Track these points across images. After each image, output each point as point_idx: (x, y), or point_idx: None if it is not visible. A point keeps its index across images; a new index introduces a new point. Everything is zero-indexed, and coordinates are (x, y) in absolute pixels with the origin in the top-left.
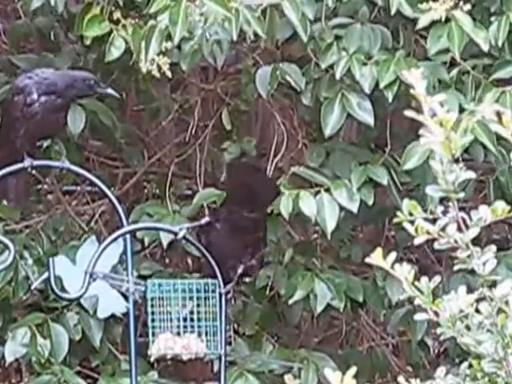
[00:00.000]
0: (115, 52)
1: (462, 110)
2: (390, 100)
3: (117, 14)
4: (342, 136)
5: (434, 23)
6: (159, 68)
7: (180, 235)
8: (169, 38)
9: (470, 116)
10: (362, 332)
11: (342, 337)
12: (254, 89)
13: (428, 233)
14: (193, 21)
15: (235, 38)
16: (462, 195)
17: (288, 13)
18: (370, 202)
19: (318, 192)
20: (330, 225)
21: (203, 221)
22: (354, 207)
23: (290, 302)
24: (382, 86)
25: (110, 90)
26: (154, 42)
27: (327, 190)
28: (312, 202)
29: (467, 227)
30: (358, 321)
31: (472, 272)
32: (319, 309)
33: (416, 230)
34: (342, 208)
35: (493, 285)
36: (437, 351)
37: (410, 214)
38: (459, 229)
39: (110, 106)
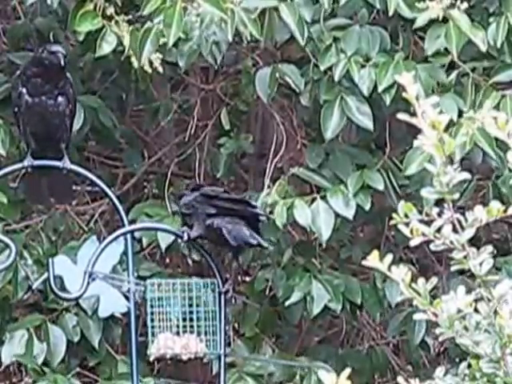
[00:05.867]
0: (106, 47)
1: (460, 113)
2: (388, 103)
3: (110, 10)
4: (342, 136)
5: (431, 23)
6: (151, 63)
7: (185, 238)
8: (164, 38)
9: (470, 122)
10: (362, 331)
11: (342, 336)
12: (253, 89)
13: (423, 234)
14: (189, 22)
15: (230, 39)
16: (456, 196)
17: (285, 17)
18: (367, 207)
19: (314, 199)
20: (326, 233)
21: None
22: (349, 214)
23: (287, 303)
24: (380, 90)
25: (61, 60)
26: (149, 44)
27: (323, 198)
28: (307, 211)
29: (463, 228)
30: (359, 320)
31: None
32: (315, 311)
33: (411, 231)
34: (337, 215)
35: (491, 285)
36: (437, 350)
37: (406, 216)
38: (455, 230)
39: (110, 106)
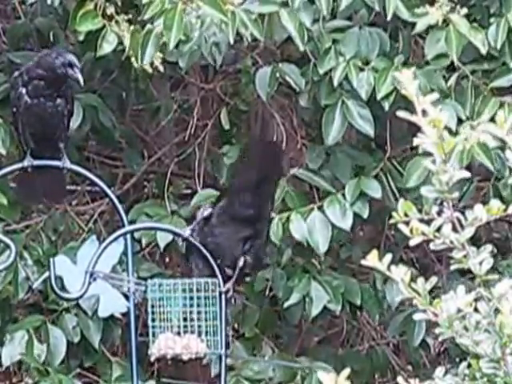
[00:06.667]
0: (107, 47)
1: (460, 121)
2: (387, 109)
3: (110, 10)
4: (342, 136)
5: (431, 27)
6: (152, 64)
7: (186, 234)
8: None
9: (468, 134)
10: (362, 331)
11: (342, 336)
12: (253, 89)
13: (423, 234)
14: (189, 23)
15: (232, 41)
16: (456, 196)
17: (285, 22)
18: (365, 215)
19: (311, 210)
20: (323, 247)
21: (197, 220)
22: (346, 225)
23: (286, 305)
24: (379, 97)
25: (79, 76)
26: (151, 47)
27: (320, 208)
28: (303, 225)
29: (462, 227)
30: (359, 320)
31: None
32: (314, 312)
33: (411, 231)
34: (334, 226)
35: (491, 284)
36: (437, 350)
37: (406, 215)
38: (455, 229)
39: (110, 106)
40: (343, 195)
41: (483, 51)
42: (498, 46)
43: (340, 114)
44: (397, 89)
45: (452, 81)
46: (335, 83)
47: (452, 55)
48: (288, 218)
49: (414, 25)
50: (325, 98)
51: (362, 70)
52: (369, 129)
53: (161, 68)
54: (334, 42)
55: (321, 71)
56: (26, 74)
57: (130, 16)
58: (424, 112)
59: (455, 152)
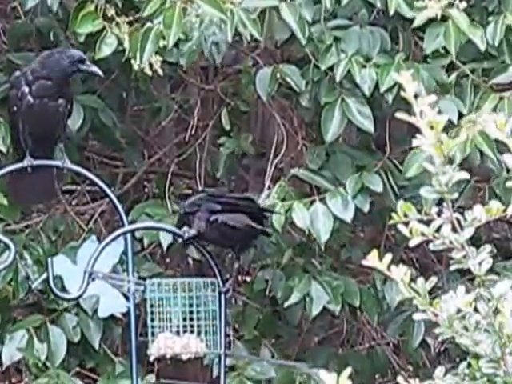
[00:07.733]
0: (106, 49)
1: (460, 115)
2: (390, 102)
3: (111, 12)
4: (342, 136)
5: (430, 22)
6: (151, 66)
7: (186, 236)
8: (164, 39)
9: (470, 124)
10: (362, 331)
11: (342, 336)
12: (253, 89)
13: (423, 234)
14: (189, 22)
15: (230, 40)
16: (455, 196)
17: (286, 16)
18: (366, 209)
19: (313, 202)
20: (324, 236)
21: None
22: (348, 217)
23: (286, 305)
24: (382, 90)
25: (94, 68)
26: (150, 44)
27: (322, 200)
28: (305, 214)
29: (462, 228)
30: (359, 320)
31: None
32: (314, 312)
33: (411, 231)
34: (336, 218)
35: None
36: (437, 350)
37: (405, 216)
38: (455, 229)
39: (110, 106)
40: (344, 188)
41: (482, 48)
42: (496, 43)
43: (339, 111)
44: (399, 84)
45: (452, 79)
46: (337, 78)
47: (451, 50)
48: (291, 207)
49: (413, 22)
50: (324, 95)
51: (364, 66)
52: (369, 126)
53: (160, 71)
54: (336, 39)
55: (323, 67)
56: (31, 74)
57: (131, 18)
58: (422, 113)
59: (458, 139)
